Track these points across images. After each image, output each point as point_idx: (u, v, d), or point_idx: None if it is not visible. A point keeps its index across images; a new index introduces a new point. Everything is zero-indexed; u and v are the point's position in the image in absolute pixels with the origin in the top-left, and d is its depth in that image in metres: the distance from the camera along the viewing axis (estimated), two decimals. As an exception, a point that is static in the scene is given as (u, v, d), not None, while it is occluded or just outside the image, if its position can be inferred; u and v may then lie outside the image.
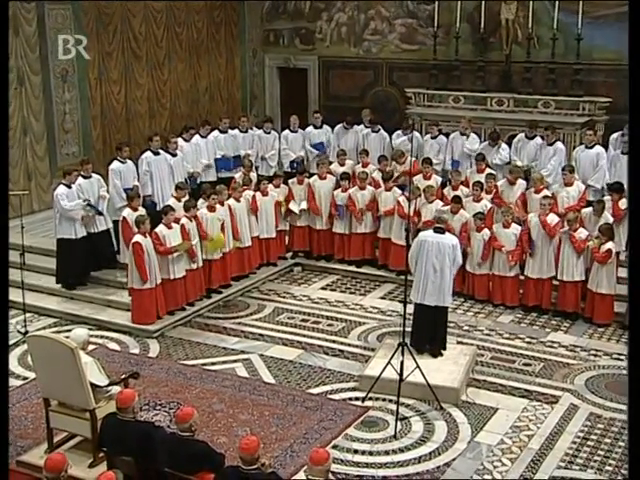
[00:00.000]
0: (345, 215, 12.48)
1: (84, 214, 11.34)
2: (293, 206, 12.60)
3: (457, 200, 11.48)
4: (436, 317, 9.39)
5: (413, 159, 12.19)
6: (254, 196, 12.17)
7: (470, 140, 13.33)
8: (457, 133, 13.50)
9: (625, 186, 11.02)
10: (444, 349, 9.51)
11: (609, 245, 10.49)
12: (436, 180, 12.45)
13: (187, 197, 11.46)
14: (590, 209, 11.21)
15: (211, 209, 11.26)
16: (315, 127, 14.47)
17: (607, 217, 10.99)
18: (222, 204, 11.47)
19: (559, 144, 12.79)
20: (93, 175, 11.74)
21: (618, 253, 10.73)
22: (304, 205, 12.63)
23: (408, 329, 8.92)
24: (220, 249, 11.37)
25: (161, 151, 12.46)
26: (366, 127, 14.35)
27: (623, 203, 11.10)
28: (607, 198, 11.35)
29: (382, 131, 14.22)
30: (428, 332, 9.40)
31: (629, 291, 5.81)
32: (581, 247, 10.64)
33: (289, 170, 14.05)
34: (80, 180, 11.50)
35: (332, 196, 12.51)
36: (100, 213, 11.58)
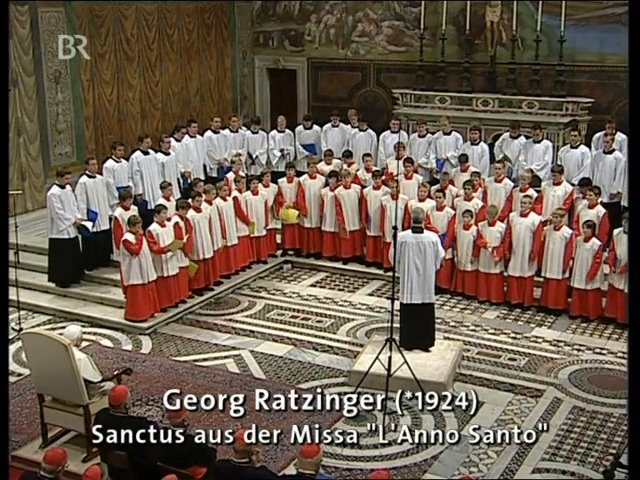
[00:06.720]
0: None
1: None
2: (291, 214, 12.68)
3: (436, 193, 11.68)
4: (424, 314, 9.52)
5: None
6: (235, 197, 12.17)
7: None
8: (440, 133, 13.56)
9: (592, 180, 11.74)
10: (432, 344, 9.65)
11: (595, 241, 10.68)
12: (417, 179, 12.54)
13: (178, 195, 11.54)
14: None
15: (197, 210, 11.28)
16: (305, 128, 14.59)
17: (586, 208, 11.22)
18: (210, 203, 11.53)
19: (547, 142, 12.94)
20: (97, 176, 11.86)
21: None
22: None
23: (396, 325, 9.06)
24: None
25: (151, 151, 12.51)
26: (353, 127, 14.40)
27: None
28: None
29: (370, 130, 14.25)
30: (419, 330, 9.54)
31: (629, 291, 5.97)
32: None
33: (276, 168, 14.14)
34: (84, 179, 11.67)
35: (320, 195, 12.64)
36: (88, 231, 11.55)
